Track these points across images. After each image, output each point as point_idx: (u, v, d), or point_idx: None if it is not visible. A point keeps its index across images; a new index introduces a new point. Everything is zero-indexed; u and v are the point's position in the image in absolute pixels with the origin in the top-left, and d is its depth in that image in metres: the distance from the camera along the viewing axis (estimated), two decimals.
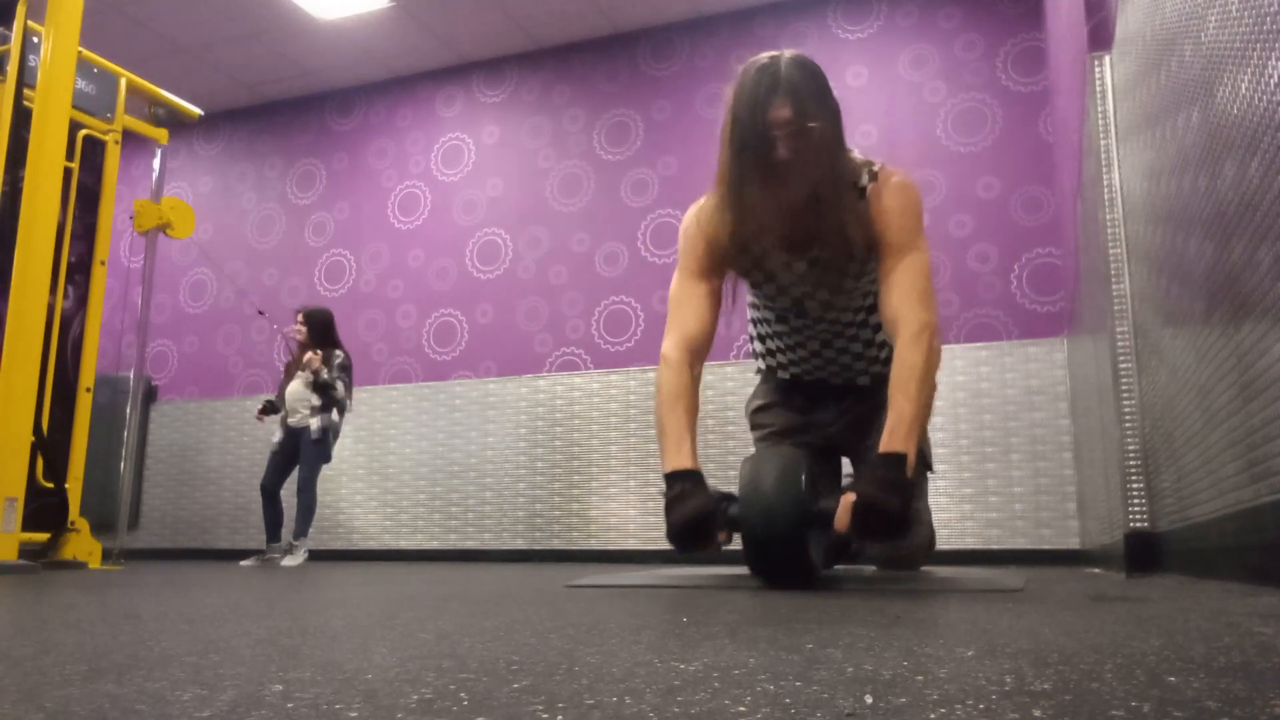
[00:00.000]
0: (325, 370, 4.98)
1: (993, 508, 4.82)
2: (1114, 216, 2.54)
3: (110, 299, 4.83)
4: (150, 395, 6.85)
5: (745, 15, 5.87)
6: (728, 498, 1.81)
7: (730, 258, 1.99)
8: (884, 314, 1.88)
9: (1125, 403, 2.46)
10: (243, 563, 4.89)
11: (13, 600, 1.63)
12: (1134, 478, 2.41)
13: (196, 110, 4.99)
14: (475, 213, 6.39)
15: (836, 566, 2.51)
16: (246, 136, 7.26)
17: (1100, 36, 2.65)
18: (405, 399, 6.21)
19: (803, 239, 1.94)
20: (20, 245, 3.35)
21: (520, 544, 5.67)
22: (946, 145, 5.33)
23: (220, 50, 6.51)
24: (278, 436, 5.13)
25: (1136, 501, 2.39)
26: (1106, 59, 2.62)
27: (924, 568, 2.49)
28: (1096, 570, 3.16)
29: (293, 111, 7.12)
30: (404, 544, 5.98)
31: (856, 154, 1.94)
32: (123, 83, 4.62)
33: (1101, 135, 2.59)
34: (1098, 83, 2.62)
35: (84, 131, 4.45)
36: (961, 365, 4.95)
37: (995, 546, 4.75)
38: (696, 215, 2.02)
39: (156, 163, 4.89)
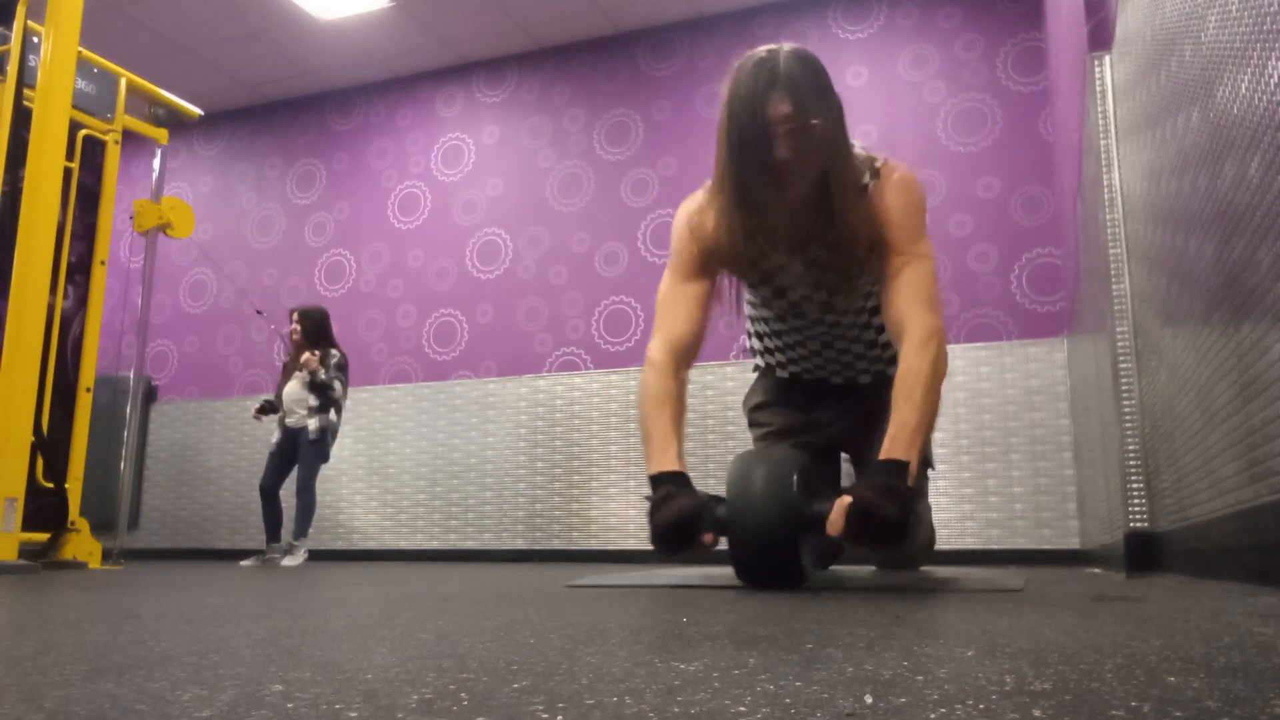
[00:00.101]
0: (322, 370, 4.98)
1: (993, 508, 4.82)
2: (1114, 216, 2.54)
3: (110, 299, 4.83)
4: (150, 395, 6.85)
5: (745, 15, 5.87)
6: (716, 499, 1.74)
7: (725, 259, 1.91)
8: (888, 318, 1.81)
9: (1125, 403, 2.46)
10: (243, 563, 4.89)
11: (13, 600, 1.63)
12: (1134, 478, 2.41)
13: (196, 110, 4.99)
14: (475, 213, 6.39)
15: (834, 567, 2.51)
16: (246, 136, 7.26)
17: (1100, 36, 2.65)
18: (405, 399, 6.21)
19: (801, 240, 1.87)
20: (20, 245, 3.35)
21: (520, 544, 5.67)
22: (946, 145, 5.33)
23: (220, 50, 6.51)
24: (276, 437, 5.14)
25: (1136, 501, 2.39)
26: (1106, 59, 2.62)
27: (924, 568, 2.49)
28: (1096, 570, 3.16)
29: (293, 111, 7.12)
30: (404, 544, 5.98)
31: (858, 148, 1.87)
32: (123, 83, 4.63)
33: (1101, 135, 2.59)
34: (1098, 83, 2.62)
35: (84, 131, 4.45)
36: (961, 365, 4.94)
37: (995, 546, 4.75)
38: (689, 213, 1.94)
39: (156, 163, 4.89)
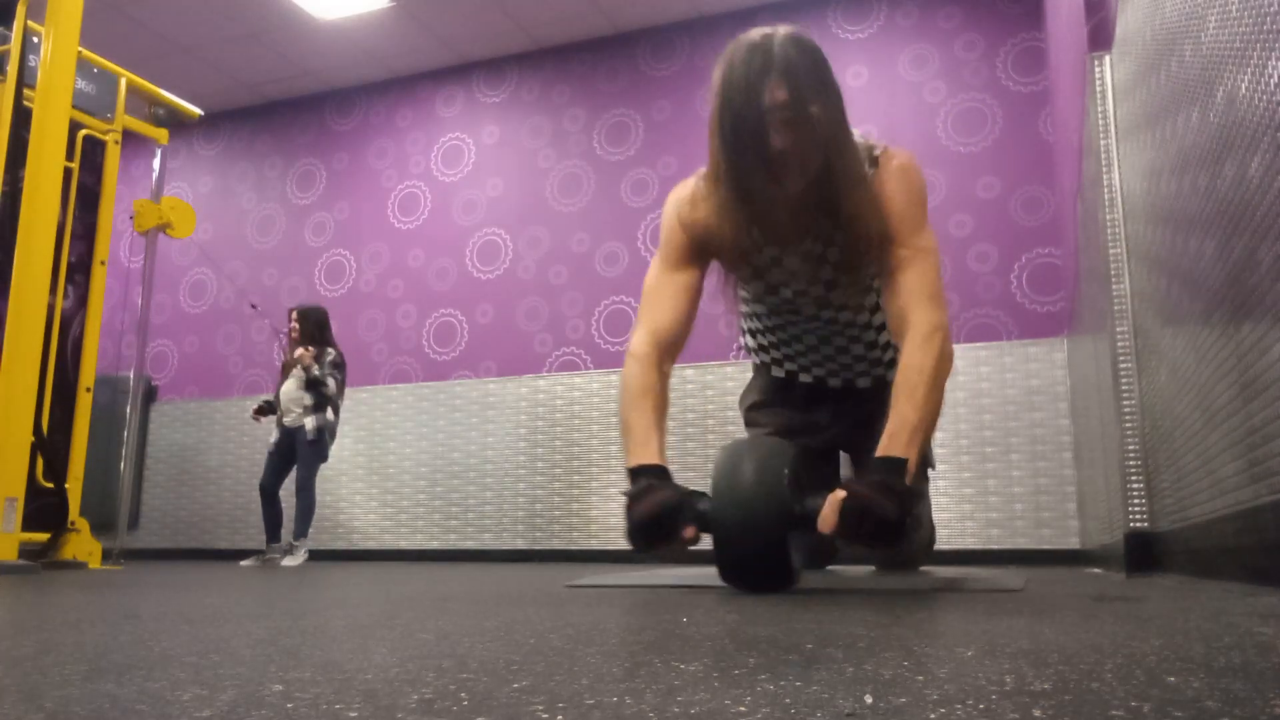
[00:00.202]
0: (316, 366, 4.98)
1: (993, 508, 4.82)
2: (1114, 216, 2.54)
3: (110, 299, 4.83)
4: (150, 395, 6.85)
5: (745, 15, 5.87)
6: (699, 494, 1.61)
7: (718, 251, 1.81)
8: (889, 313, 1.72)
9: (1125, 403, 2.46)
10: (243, 563, 4.90)
11: (13, 600, 1.63)
12: (1134, 478, 2.41)
13: (196, 110, 4.99)
14: (475, 213, 6.39)
15: (831, 567, 2.51)
16: (246, 136, 7.26)
17: (1100, 36, 2.65)
18: (405, 399, 6.21)
19: (800, 233, 1.78)
20: (20, 245, 3.35)
21: (520, 544, 5.67)
22: (946, 145, 5.33)
23: (220, 50, 6.51)
24: (274, 436, 5.15)
25: (1136, 501, 2.39)
26: (1106, 59, 2.62)
27: (924, 568, 2.49)
28: (1096, 570, 3.16)
29: (293, 111, 7.12)
30: (404, 544, 5.98)
31: (857, 135, 1.76)
32: (123, 83, 4.63)
33: (1101, 135, 2.59)
34: (1098, 83, 2.62)
35: (84, 131, 4.45)
36: (961, 365, 4.94)
37: (995, 546, 4.75)
38: (680, 200, 1.83)
39: (156, 163, 4.89)
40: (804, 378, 2.17)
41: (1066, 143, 3.86)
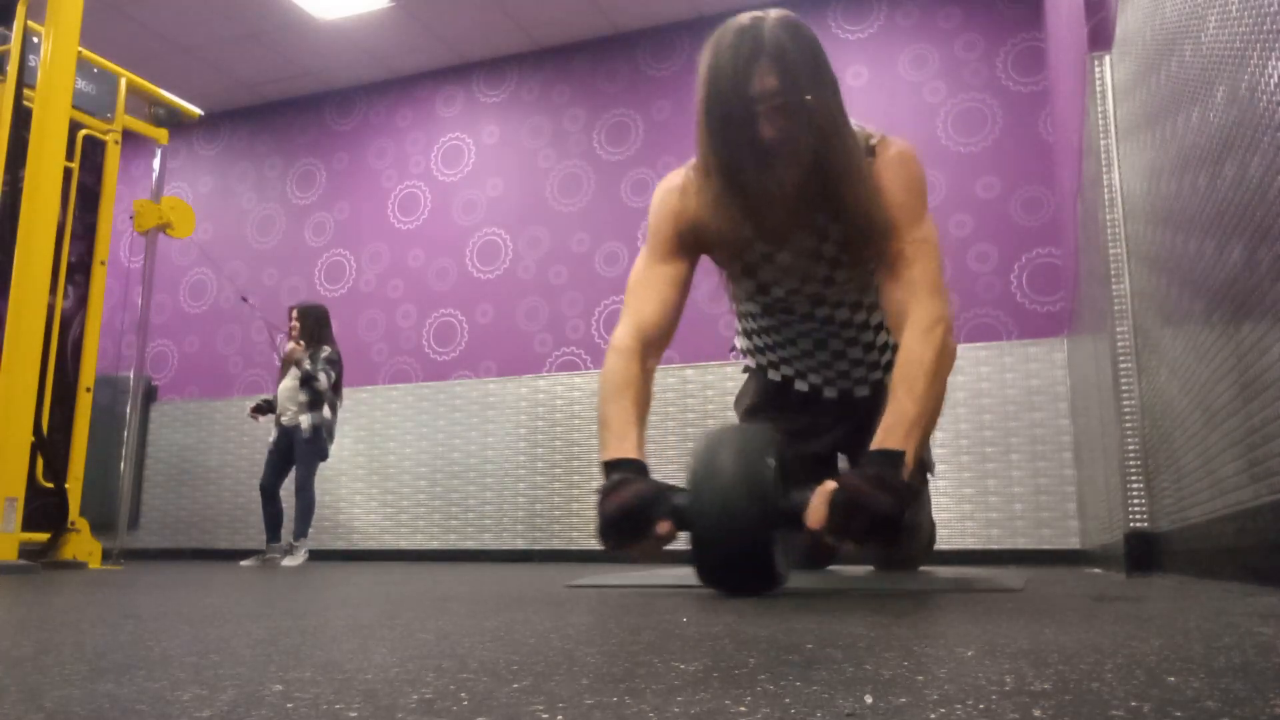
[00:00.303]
0: (307, 360, 4.98)
1: (993, 508, 4.82)
2: (1114, 216, 2.54)
3: (110, 299, 4.83)
4: (150, 395, 6.86)
5: None
6: (678, 489, 1.47)
7: (709, 245, 1.71)
8: (888, 307, 1.62)
9: (1125, 403, 2.46)
10: (243, 563, 4.90)
11: (13, 600, 1.63)
12: (1134, 478, 2.41)
13: (196, 110, 4.99)
14: (475, 213, 6.39)
15: (831, 567, 2.50)
16: (246, 136, 7.26)
17: (1100, 36, 2.65)
18: (405, 399, 6.21)
19: (794, 227, 1.68)
20: (20, 245, 3.35)
21: (520, 544, 5.67)
22: (946, 145, 5.33)
23: (220, 50, 6.51)
24: (273, 435, 5.15)
25: (1136, 501, 2.40)
26: (1106, 59, 2.62)
27: (924, 568, 2.49)
28: (1096, 570, 3.16)
29: (293, 111, 7.13)
30: (404, 544, 5.98)
31: (854, 125, 1.67)
32: (123, 83, 4.63)
33: (1101, 135, 2.59)
34: (1098, 83, 2.62)
35: (84, 131, 4.45)
36: (961, 365, 4.94)
37: (995, 546, 4.75)
38: (669, 190, 1.74)
39: (156, 163, 4.89)
40: (800, 385, 2.08)
41: (1066, 143, 3.86)
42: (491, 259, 6.26)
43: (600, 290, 5.92)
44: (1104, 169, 2.57)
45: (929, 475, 2.23)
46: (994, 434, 4.88)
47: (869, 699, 0.52)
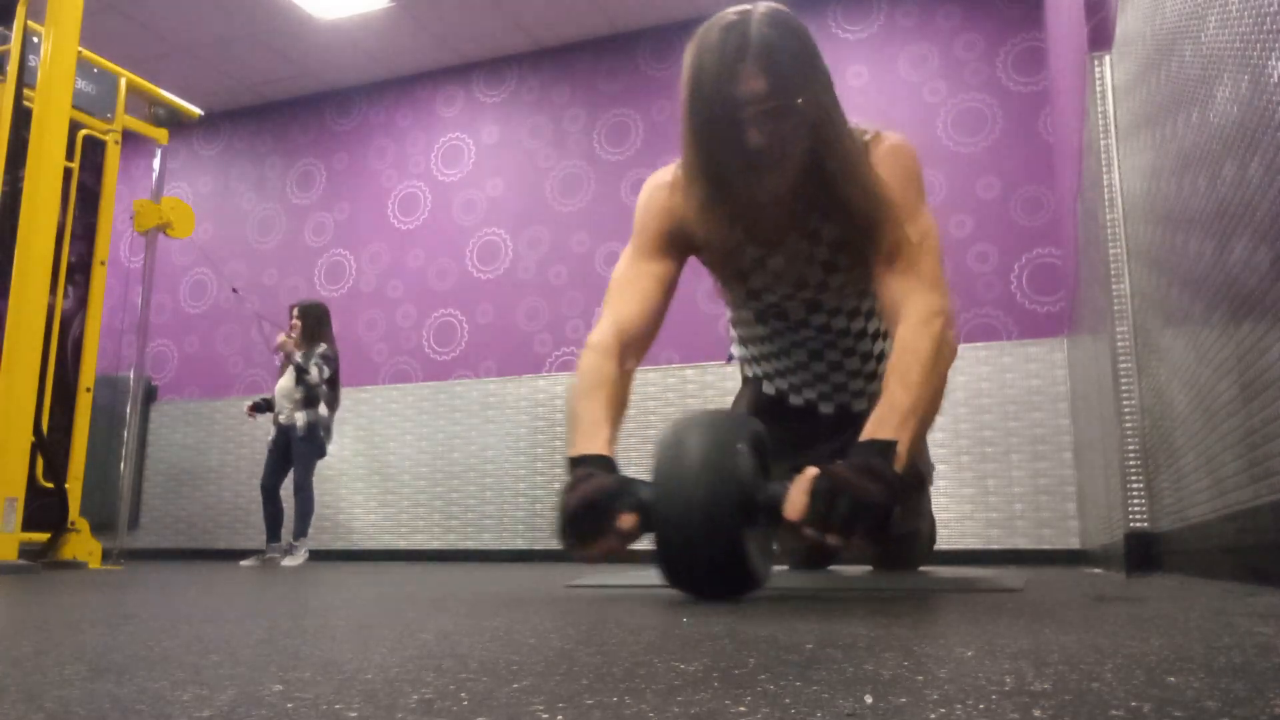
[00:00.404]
0: (298, 353, 4.98)
1: (993, 508, 4.82)
2: (1114, 216, 2.54)
3: (110, 299, 4.83)
4: (150, 395, 6.86)
5: None
6: (646, 483, 1.33)
7: (698, 248, 1.62)
8: (883, 303, 1.51)
9: (1125, 403, 2.46)
10: (243, 563, 4.90)
11: (13, 600, 1.63)
12: (1134, 478, 2.41)
13: (196, 110, 5.00)
14: (475, 213, 6.39)
15: (832, 567, 2.50)
16: (246, 136, 7.26)
17: (1100, 36, 2.65)
18: (405, 399, 6.21)
19: (782, 232, 1.60)
20: (20, 245, 3.35)
21: (520, 544, 5.67)
22: (946, 145, 5.33)
23: (220, 50, 6.51)
24: (272, 434, 5.16)
25: (1136, 501, 2.40)
26: (1106, 59, 2.62)
27: (924, 568, 2.49)
28: (1096, 570, 3.16)
29: (293, 111, 7.13)
30: (404, 544, 5.98)
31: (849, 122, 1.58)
32: (123, 83, 4.63)
33: (1101, 135, 2.59)
34: (1098, 83, 2.62)
35: (84, 131, 4.45)
36: (962, 365, 4.93)
37: (995, 546, 4.75)
38: (657, 186, 1.66)
39: (156, 163, 4.89)
40: (794, 399, 1.97)
41: (1066, 143, 3.86)
42: (491, 259, 6.26)
43: (600, 290, 5.89)
44: (1104, 169, 2.57)
45: (927, 484, 2.14)
46: (994, 434, 4.88)
47: (869, 699, 0.52)
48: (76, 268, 4.49)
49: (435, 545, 5.89)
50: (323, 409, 5.04)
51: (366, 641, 0.85)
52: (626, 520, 1.29)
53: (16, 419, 3.26)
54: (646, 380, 5.54)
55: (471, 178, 6.46)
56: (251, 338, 6.76)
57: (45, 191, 3.42)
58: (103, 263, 4.57)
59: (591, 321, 5.88)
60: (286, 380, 5.08)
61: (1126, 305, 2.49)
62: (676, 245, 1.62)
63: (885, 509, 1.21)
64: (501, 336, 6.11)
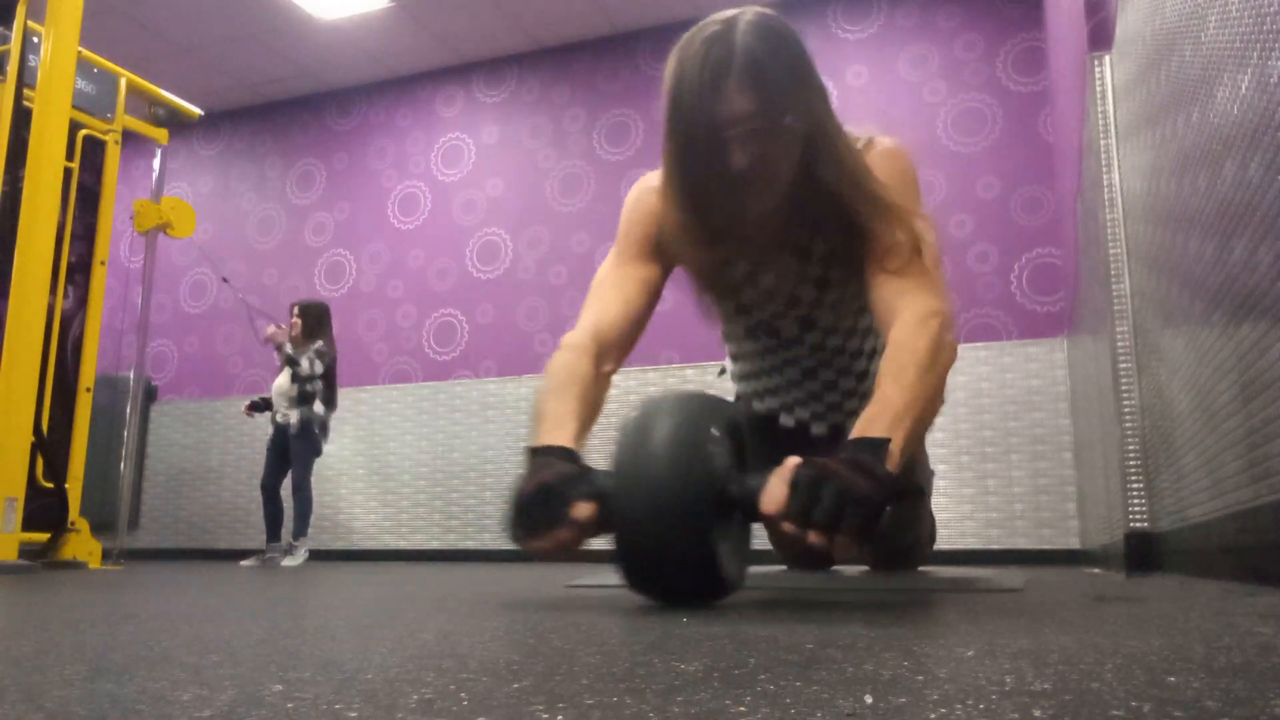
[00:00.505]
0: (289, 345, 4.99)
1: (993, 508, 4.82)
2: (1114, 216, 2.54)
3: (110, 299, 4.83)
4: (150, 395, 6.86)
5: None
6: (607, 472, 1.19)
7: (683, 261, 1.54)
8: (877, 307, 1.41)
9: (1125, 403, 2.46)
10: (243, 563, 4.90)
11: (12, 600, 1.63)
12: (1134, 478, 2.41)
13: (196, 110, 4.99)
14: (475, 213, 6.39)
15: (833, 568, 2.50)
16: (246, 136, 7.26)
17: (1100, 36, 2.65)
18: (405, 399, 6.21)
19: (771, 248, 1.53)
20: (20, 245, 3.35)
21: None
22: (946, 145, 5.33)
23: (220, 50, 6.51)
24: (271, 432, 5.17)
25: (1136, 501, 2.40)
26: (1106, 59, 2.62)
27: (924, 568, 2.48)
28: (1096, 570, 3.16)
29: (293, 111, 7.13)
30: (404, 544, 5.98)
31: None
32: (123, 83, 4.63)
33: (1101, 135, 2.59)
34: (1098, 83, 2.62)
35: (84, 131, 4.45)
36: (961, 365, 4.93)
37: (995, 546, 4.75)
38: (645, 190, 1.54)
39: (156, 163, 4.89)
40: (785, 420, 1.87)
41: (1066, 143, 3.86)
42: (491, 259, 6.27)
43: None
44: (1104, 169, 2.57)
45: (927, 495, 2.07)
46: (994, 434, 4.88)
47: (869, 699, 0.52)
48: (76, 268, 4.49)
49: (435, 545, 5.89)
50: (318, 406, 5.03)
51: (366, 641, 0.85)
52: (583, 510, 1.15)
53: (16, 419, 3.26)
54: (646, 380, 5.55)
55: (471, 178, 6.46)
56: (255, 341, 6.76)
57: (45, 191, 3.42)
58: (103, 263, 4.57)
59: None
60: (283, 379, 5.09)
61: (1126, 305, 2.49)
62: (662, 251, 1.53)
63: (875, 505, 1.07)
64: (501, 336, 6.11)
